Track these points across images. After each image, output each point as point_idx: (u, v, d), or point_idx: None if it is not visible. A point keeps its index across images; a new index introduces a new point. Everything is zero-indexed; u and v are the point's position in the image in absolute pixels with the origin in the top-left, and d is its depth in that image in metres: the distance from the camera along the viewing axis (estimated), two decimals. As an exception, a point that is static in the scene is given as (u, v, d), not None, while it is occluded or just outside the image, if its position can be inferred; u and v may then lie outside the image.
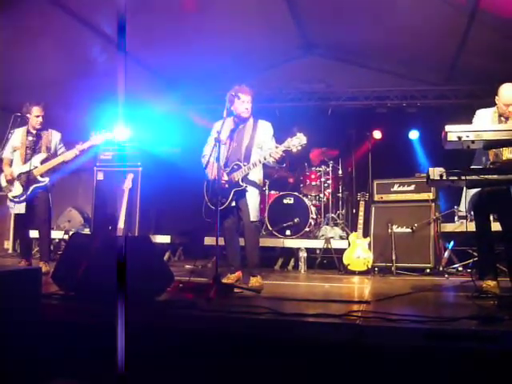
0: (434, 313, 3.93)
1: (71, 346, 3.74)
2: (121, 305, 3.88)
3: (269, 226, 8.89)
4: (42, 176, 6.86)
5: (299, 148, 5.62)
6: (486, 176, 4.36)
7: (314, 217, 9.05)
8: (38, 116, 6.92)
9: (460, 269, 7.84)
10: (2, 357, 2.93)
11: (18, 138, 7.00)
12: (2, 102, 8.18)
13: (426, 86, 10.43)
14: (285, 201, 8.98)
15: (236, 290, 5.07)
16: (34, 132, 7.02)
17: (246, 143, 6.07)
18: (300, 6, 8.78)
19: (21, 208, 6.87)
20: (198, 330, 3.64)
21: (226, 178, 5.96)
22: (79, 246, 4.91)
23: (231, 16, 8.49)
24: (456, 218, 8.21)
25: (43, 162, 6.90)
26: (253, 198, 6.06)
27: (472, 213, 5.54)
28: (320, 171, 9.41)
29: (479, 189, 5.21)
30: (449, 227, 8.11)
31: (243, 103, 6.02)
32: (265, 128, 6.18)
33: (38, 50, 7.67)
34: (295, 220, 8.79)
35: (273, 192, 9.38)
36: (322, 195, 9.33)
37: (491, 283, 5.28)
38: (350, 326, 3.41)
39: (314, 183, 9.39)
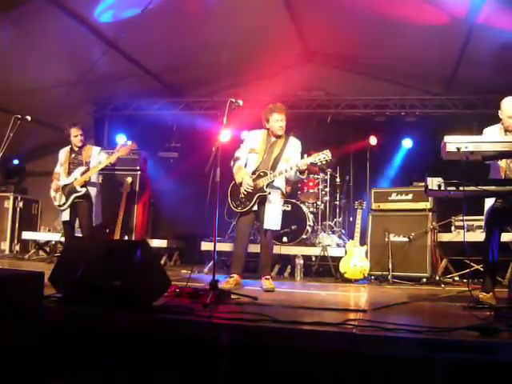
0: (430, 323, 3.94)
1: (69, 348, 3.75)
2: (117, 308, 3.90)
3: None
4: (80, 186, 7.69)
5: (324, 162, 6.03)
6: (484, 187, 4.37)
7: (311, 224, 9.05)
8: (76, 136, 7.80)
9: (456, 278, 7.86)
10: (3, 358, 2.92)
11: (63, 155, 8.00)
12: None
13: (425, 95, 10.46)
14: (282, 208, 8.96)
15: (233, 296, 5.06)
16: (76, 149, 7.91)
17: (275, 155, 6.43)
18: (300, 13, 8.81)
19: (65, 216, 7.81)
20: (194, 336, 3.63)
21: (251, 183, 6.29)
22: (76, 248, 4.91)
23: (232, 23, 8.53)
24: (453, 228, 8.20)
25: (82, 174, 7.74)
26: (275, 206, 6.44)
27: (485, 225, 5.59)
28: (318, 179, 9.39)
29: (493, 203, 5.28)
30: (446, 237, 8.11)
31: (277, 122, 6.40)
32: (295, 145, 6.57)
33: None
34: (292, 227, 8.79)
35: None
36: (319, 202, 9.32)
37: (487, 294, 5.29)
38: (347, 334, 3.40)
39: (311, 190, 9.37)
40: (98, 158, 7.87)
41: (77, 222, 7.92)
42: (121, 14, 7.81)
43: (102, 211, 8.05)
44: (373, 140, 10.22)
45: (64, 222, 7.89)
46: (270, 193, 6.30)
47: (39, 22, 7.59)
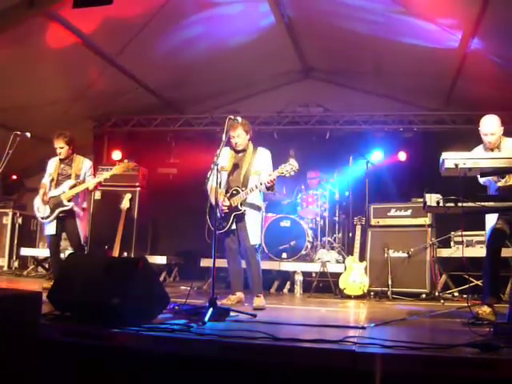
0: (430, 339, 3.92)
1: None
2: (116, 326, 3.89)
3: (265, 248, 8.84)
4: (68, 201, 7.28)
5: (292, 173, 5.92)
6: (483, 203, 4.38)
7: (311, 240, 9.04)
8: (56, 148, 7.38)
9: (456, 294, 7.85)
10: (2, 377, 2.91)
11: (52, 165, 7.55)
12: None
13: (423, 111, 10.51)
14: (282, 223, 8.98)
15: (232, 314, 5.05)
16: (66, 160, 7.50)
17: (244, 170, 6.31)
18: (299, 29, 8.89)
19: (51, 229, 7.35)
20: (192, 354, 3.62)
21: (226, 202, 6.21)
22: (75, 265, 4.90)
23: (231, 41, 8.60)
24: (452, 244, 8.20)
25: (71, 187, 7.33)
26: (252, 222, 6.28)
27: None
28: (317, 195, 9.40)
29: (495, 223, 5.33)
30: (445, 252, 8.11)
31: (233, 138, 6.30)
32: (263, 156, 6.43)
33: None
34: (292, 243, 8.78)
35: (270, 214, 9.35)
36: (318, 218, 9.32)
37: (487, 310, 5.28)
38: (346, 352, 3.39)
39: (311, 206, 9.38)
40: (88, 173, 7.53)
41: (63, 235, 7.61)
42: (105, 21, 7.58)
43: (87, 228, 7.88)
44: (377, 156, 10.33)
45: (49, 236, 7.42)
46: (245, 210, 6.20)
47: (39, 38, 7.62)
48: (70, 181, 7.37)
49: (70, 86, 9.27)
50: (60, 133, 7.37)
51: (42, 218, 7.40)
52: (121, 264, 4.79)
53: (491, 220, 5.50)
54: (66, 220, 7.35)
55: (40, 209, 7.42)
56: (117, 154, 11.14)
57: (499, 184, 5.35)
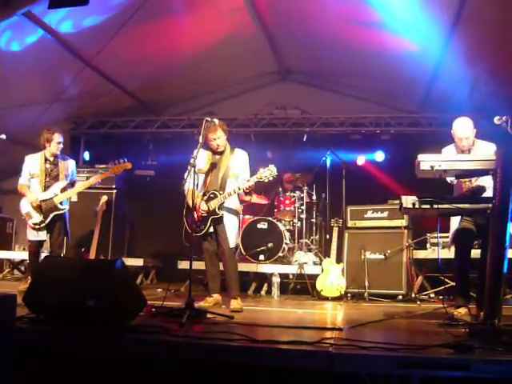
0: (406, 340, 3.95)
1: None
2: (92, 329, 3.87)
3: (242, 250, 8.85)
4: (61, 204, 7.02)
5: (270, 179, 6.00)
6: (458, 205, 4.42)
7: (288, 242, 9.06)
8: (59, 143, 7.08)
9: (432, 295, 7.91)
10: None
11: (35, 165, 7.08)
12: None
13: (400, 113, 10.58)
14: (259, 225, 8.97)
15: (209, 316, 5.05)
16: (52, 159, 7.13)
17: (222, 173, 6.30)
18: (275, 31, 8.92)
19: (43, 235, 7.04)
20: (169, 356, 3.61)
21: (204, 206, 6.19)
22: (51, 268, 4.86)
23: (207, 43, 8.60)
24: (428, 245, 8.26)
25: (63, 190, 7.04)
26: (230, 225, 6.28)
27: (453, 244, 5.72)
28: (294, 197, 9.41)
29: (460, 221, 5.40)
30: (421, 254, 8.17)
31: (214, 140, 6.25)
32: (240, 158, 6.44)
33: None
34: (269, 245, 8.78)
35: (247, 217, 9.35)
36: (295, 220, 9.34)
37: (462, 311, 5.36)
38: (323, 353, 3.40)
39: (287, 208, 9.39)
40: (75, 173, 7.36)
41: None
42: (81, 22, 7.58)
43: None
44: (360, 160, 10.41)
45: (36, 241, 7.04)
46: (223, 214, 6.19)
47: (14, 39, 7.54)
48: (60, 183, 7.07)
49: (46, 87, 9.18)
50: (56, 129, 7.11)
51: (35, 225, 6.94)
52: (97, 266, 4.77)
53: (455, 221, 5.58)
54: (56, 223, 7.04)
55: (32, 214, 6.96)
56: (86, 155, 11.39)
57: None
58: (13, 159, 9.82)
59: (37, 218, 6.96)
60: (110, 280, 4.26)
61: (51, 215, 6.97)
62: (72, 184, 7.24)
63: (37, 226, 6.96)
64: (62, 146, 7.14)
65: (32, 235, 7.05)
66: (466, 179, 5.35)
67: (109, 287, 4.20)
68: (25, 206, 7.03)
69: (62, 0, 6.27)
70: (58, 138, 7.04)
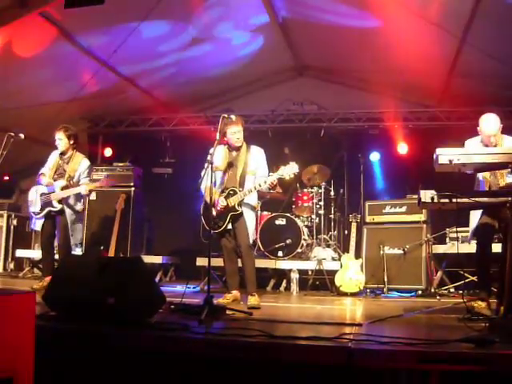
0: (425, 335, 3.93)
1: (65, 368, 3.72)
2: (111, 326, 3.89)
3: (261, 246, 8.85)
4: (58, 202, 7.09)
5: (291, 176, 5.97)
6: (477, 199, 4.38)
7: (306, 238, 9.03)
8: (56, 139, 7.18)
9: (452, 290, 7.87)
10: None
11: (52, 159, 7.37)
12: None
13: (418, 107, 10.51)
14: (277, 222, 8.97)
15: (228, 312, 5.05)
16: (65, 156, 7.29)
17: (240, 170, 6.28)
18: (292, 27, 8.89)
19: (39, 225, 7.34)
20: (189, 353, 3.62)
21: (223, 202, 6.16)
22: (71, 266, 4.90)
23: (224, 40, 8.60)
24: (447, 240, 8.21)
25: (63, 188, 7.10)
26: (248, 221, 6.26)
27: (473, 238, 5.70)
28: (312, 192, 9.39)
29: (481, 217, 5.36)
30: (440, 248, 8.12)
31: (234, 134, 6.22)
32: (257, 155, 6.40)
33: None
34: (287, 241, 8.76)
35: (265, 213, 9.35)
36: (314, 216, 9.31)
37: (482, 304, 5.32)
38: (342, 348, 3.39)
39: (306, 204, 9.36)
40: (84, 174, 7.28)
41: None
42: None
43: (82, 233, 7.80)
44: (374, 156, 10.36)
45: (41, 233, 7.35)
46: (242, 211, 6.19)
47: (31, 39, 7.60)
48: (61, 181, 7.15)
49: (63, 87, 9.24)
50: (63, 125, 7.23)
51: (33, 213, 7.23)
52: (116, 264, 4.79)
53: (476, 216, 5.53)
54: (56, 218, 7.19)
55: (34, 202, 7.22)
56: (108, 151, 11.41)
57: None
58: (31, 158, 9.91)
59: (36, 207, 7.20)
60: (129, 278, 4.29)
61: (46, 209, 7.12)
62: (77, 184, 7.24)
63: (34, 215, 7.25)
64: (60, 143, 7.18)
65: (38, 226, 7.43)
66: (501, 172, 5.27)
67: (128, 285, 4.22)
68: (32, 194, 7.30)
69: (77, -1, 6.29)
70: (56, 135, 7.18)
